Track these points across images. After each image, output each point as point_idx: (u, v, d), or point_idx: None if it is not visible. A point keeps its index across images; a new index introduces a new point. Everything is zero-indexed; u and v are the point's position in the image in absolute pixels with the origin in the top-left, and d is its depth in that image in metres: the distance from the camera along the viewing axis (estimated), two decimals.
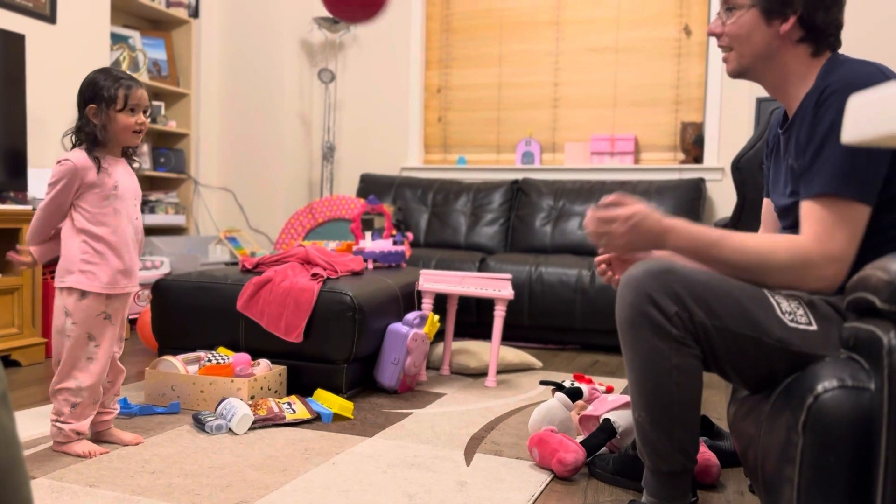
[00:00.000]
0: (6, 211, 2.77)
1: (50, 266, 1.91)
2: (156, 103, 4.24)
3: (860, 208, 1.27)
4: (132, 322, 3.40)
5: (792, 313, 1.27)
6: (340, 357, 2.39)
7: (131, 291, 1.91)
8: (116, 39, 4.00)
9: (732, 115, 4.03)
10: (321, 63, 4.71)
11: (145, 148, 4.24)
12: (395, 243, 3.09)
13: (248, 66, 4.57)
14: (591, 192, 3.99)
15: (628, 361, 1.36)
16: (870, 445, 1.00)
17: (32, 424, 2.06)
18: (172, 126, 4.30)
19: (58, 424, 1.84)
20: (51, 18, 3.41)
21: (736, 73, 1.48)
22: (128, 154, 1.94)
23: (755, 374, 1.28)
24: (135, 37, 4.15)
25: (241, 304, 2.44)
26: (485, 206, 4.14)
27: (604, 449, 1.85)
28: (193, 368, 2.33)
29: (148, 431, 2.04)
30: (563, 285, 3.44)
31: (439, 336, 3.00)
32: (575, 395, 2.08)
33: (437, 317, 2.65)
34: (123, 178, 1.88)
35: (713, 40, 4.03)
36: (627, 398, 1.90)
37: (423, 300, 2.75)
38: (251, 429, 2.07)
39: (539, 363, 3.03)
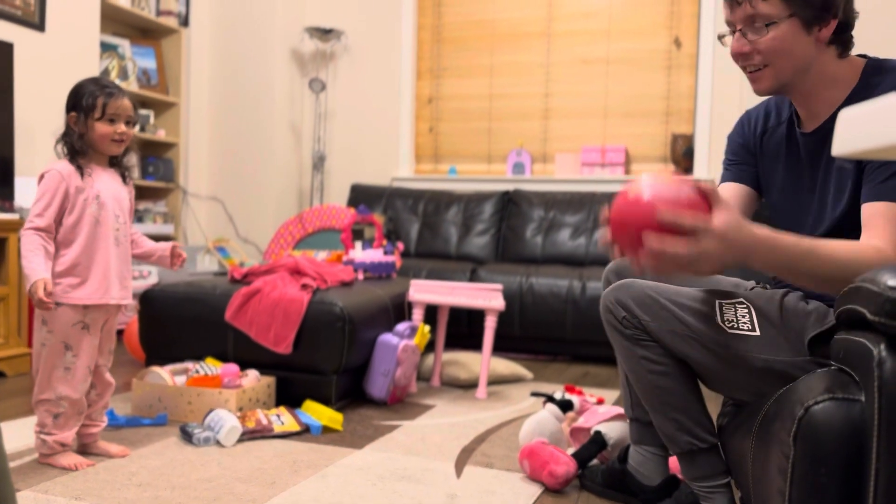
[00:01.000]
0: None
1: None
2: (145, 112, 4.23)
3: None
4: (119, 333, 3.37)
5: (734, 321, 1.36)
6: (330, 368, 2.37)
7: (114, 303, 1.87)
8: (106, 48, 3.98)
9: (722, 127, 4.05)
10: (312, 72, 4.71)
11: (133, 157, 4.21)
12: (385, 253, 3.08)
13: (238, 76, 4.56)
14: (581, 202, 4.00)
15: (619, 365, 1.56)
16: (860, 457, 1.00)
17: (17, 436, 2.03)
18: (161, 135, 4.28)
19: (42, 436, 1.82)
20: (39, 26, 3.40)
21: (773, 91, 1.36)
22: (118, 165, 1.92)
23: (707, 373, 1.41)
24: (124, 45, 4.14)
25: (229, 315, 2.43)
26: (476, 216, 4.14)
27: (595, 461, 1.84)
28: (181, 379, 2.31)
29: (135, 443, 2.01)
30: (553, 296, 3.44)
31: (430, 347, 2.99)
32: (566, 406, 2.08)
33: (427, 327, 2.64)
34: (107, 187, 1.86)
35: (704, 52, 4.06)
36: (618, 410, 1.89)
37: (414, 311, 2.74)
38: (239, 441, 2.05)
39: (530, 374, 3.03)
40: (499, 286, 2.77)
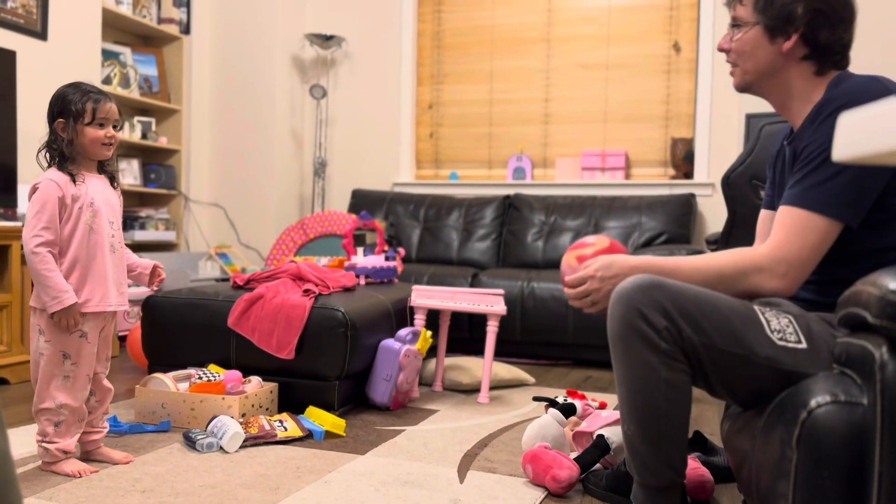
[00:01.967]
0: None
1: None
2: (146, 119, 4.24)
3: (828, 223, 1.32)
4: (122, 339, 3.37)
5: (781, 331, 1.27)
6: (332, 374, 2.38)
7: (110, 310, 1.87)
8: (107, 56, 4.00)
9: (722, 130, 4.06)
10: (312, 79, 4.72)
11: (135, 164, 4.23)
12: (387, 259, 3.08)
13: (239, 83, 4.58)
14: (582, 207, 4.01)
15: (619, 375, 1.36)
16: (863, 460, 1.00)
17: (21, 443, 2.04)
18: (163, 142, 4.29)
19: (44, 445, 1.82)
20: (42, 35, 3.41)
21: (741, 88, 1.51)
22: (106, 170, 1.91)
23: (744, 391, 1.29)
24: (126, 53, 4.15)
25: (232, 321, 2.43)
26: (476, 221, 4.15)
27: (598, 465, 1.84)
28: (184, 386, 2.31)
29: (138, 450, 2.01)
30: (555, 300, 3.44)
31: (431, 352, 2.99)
32: (568, 411, 2.08)
33: (429, 333, 2.65)
34: (99, 194, 1.85)
35: (703, 57, 4.08)
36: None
37: (416, 316, 2.75)
38: (242, 447, 2.05)
39: (532, 379, 3.03)
40: (500, 291, 2.78)
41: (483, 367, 2.76)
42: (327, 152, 4.73)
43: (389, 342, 2.54)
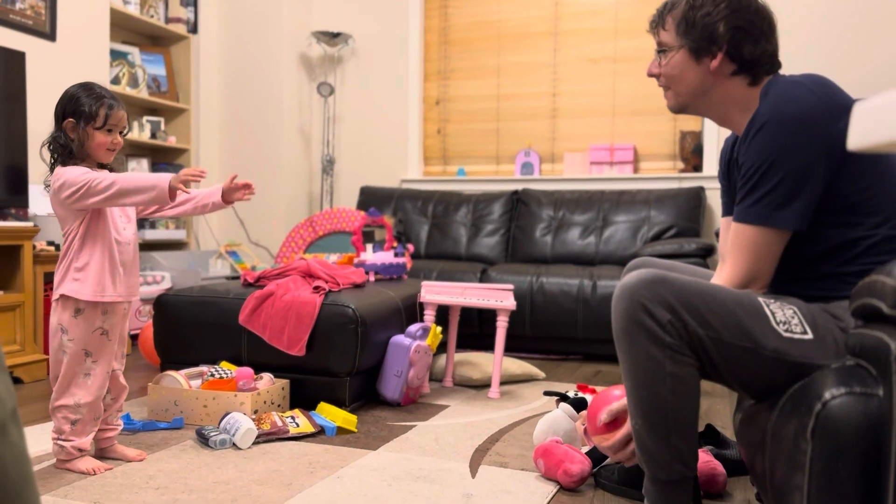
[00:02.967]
0: (7, 228, 2.76)
1: (53, 283, 1.90)
2: (155, 119, 4.25)
3: (772, 234, 1.36)
4: (133, 337, 3.39)
5: (787, 323, 1.28)
6: (343, 370, 2.38)
7: (125, 303, 1.89)
8: (116, 56, 4.01)
9: None
10: (320, 77, 4.73)
11: (145, 164, 4.25)
12: (396, 255, 3.09)
13: (247, 81, 4.58)
14: (590, 201, 4.00)
15: (624, 370, 1.36)
16: (879, 452, 0.99)
17: (36, 441, 2.05)
18: (172, 141, 4.31)
19: (59, 442, 1.83)
20: (51, 36, 3.43)
21: (676, 110, 1.54)
22: (109, 169, 1.92)
23: (756, 383, 1.29)
24: (134, 53, 4.17)
25: (243, 319, 2.44)
26: (485, 216, 4.14)
27: (609, 459, 1.84)
28: (196, 383, 2.32)
29: (151, 447, 2.03)
30: (564, 295, 3.44)
31: (442, 348, 2.99)
32: (579, 405, 2.07)
33: (439, 328, 2.65)
34: None
35: None
36: None
37: (426, 312, 2.75)
38: (255, 443, 2.06)
39: (542, 374, 3.03)
40: (510, 286, 2.78)
41: (493, 363, 2.76)
42: (335, 150, 4.74)
43: (400, 338, 2.54)
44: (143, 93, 4.09)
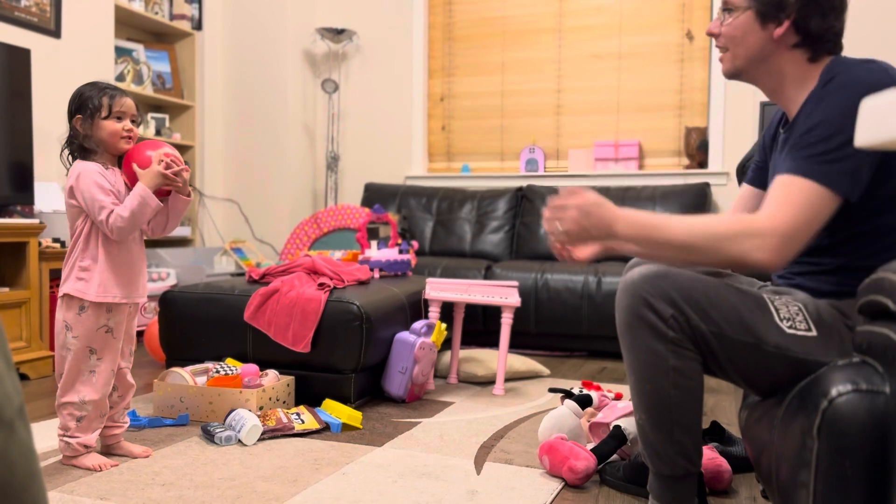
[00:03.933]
0: (13, 225, 2.77)
1: (58, 279, 1.90)
2: (160, 115, 4.26)
3: (825, 194, 1.26)
4: (139, 334, 3.40)
5: (791, 319, 1.27)
6: (348, 367, 2.38)
7: (133, 303, 1.90)
8: (120, 53, 4.02)
9: (736, 119, 4.03)
10: (324, 73, 4.72)
11: None
12: (400, 252, 3.09)
13: (251, 78, 4.59)
14: None
15: (628, 364, 1.37)
16: (886, 449, 0.99)
17: (42, 438, 2.06)
18: (177, 138, 4.31)
19: (65, 439, 1.84)
20: (56, 33, 3.43)
21: (730, 74, 1.48)
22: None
23: (759, 379, 1.29)
24: (139, 50, 4.17)
25: (248, 315, 2.44)
26: (489, 213, 4.14)
27: (615, 456, 1.84)
28: (202, 380, 2.33)
29: (157, 444, 2.03)
30: (569, 292, 3.43)
31: (446, 344, 2.99)
32: (584, 402, 2.08)
33: (444, 325, 2.65)
34: (124, 185, 1.87)
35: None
36: None
37: (430, 308, 2.75)
38: (260, 440, 2.07)
39: (547, 371, 3.03)
40: (514, 283, 2.77)
41: (498, 359, 2.76)
42: (340, 146, 4.74)
43: (404, 335, 2.55)
44: (147, 90, 4.10)
